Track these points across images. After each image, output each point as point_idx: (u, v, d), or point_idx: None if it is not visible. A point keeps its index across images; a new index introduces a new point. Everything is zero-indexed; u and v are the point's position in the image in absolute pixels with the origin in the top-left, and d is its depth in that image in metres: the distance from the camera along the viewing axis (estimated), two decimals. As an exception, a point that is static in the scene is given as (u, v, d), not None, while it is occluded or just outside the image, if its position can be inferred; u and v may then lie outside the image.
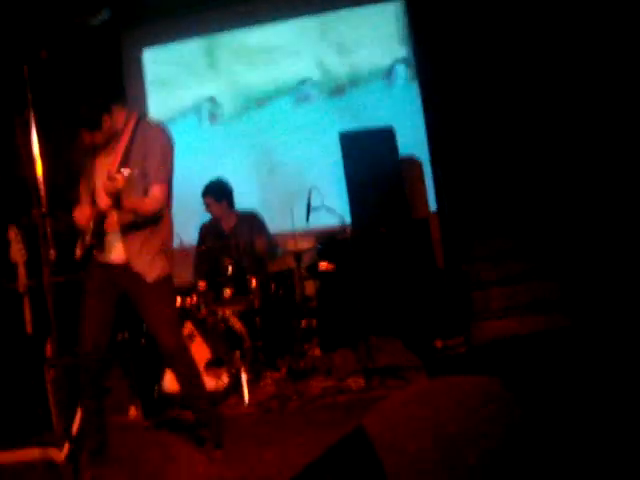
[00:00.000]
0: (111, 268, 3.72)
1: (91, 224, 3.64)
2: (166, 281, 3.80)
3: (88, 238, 3.66)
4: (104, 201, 3.51)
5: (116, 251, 3.70)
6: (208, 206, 6.04)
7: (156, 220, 3.73)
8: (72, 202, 3.81)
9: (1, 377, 5.26)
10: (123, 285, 3.75)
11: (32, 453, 4.04)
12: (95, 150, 3.73)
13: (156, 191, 3.62)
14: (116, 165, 3.54)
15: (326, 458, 1.88)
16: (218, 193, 6.00)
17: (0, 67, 3.16)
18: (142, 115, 3.87)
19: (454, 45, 6.80)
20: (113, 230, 3.66)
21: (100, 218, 3.61)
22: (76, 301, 3.75)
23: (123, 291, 3.79)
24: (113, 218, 3.64)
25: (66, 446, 3.72)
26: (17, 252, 4.47)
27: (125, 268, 3.68)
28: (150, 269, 3.69)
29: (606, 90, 6.13)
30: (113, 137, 3.69)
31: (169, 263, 3.82)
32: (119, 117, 3.71)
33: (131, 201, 3.54)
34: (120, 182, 3.33)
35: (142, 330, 5.07)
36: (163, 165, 3.70)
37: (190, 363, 3.89)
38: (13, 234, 4.45)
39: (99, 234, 3.65)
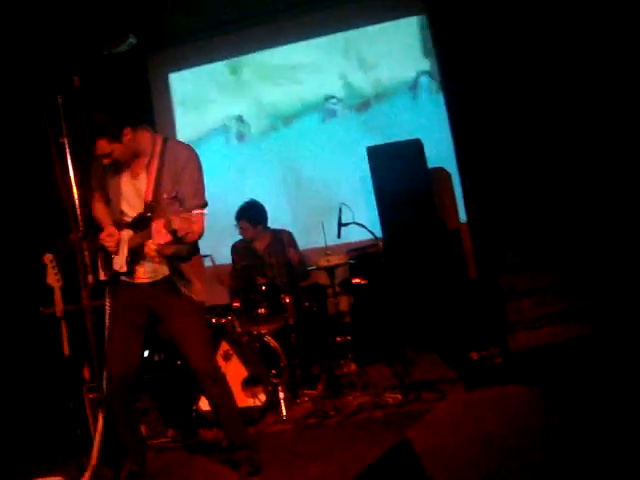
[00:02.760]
0: (143, 288, 3.69)
1: (124, 249, 3.62)
2: (201, 304, 3.81)
3: (121, 263, 3.62)
4: (163, 237, 3.38)
5: (154, 270, 3.68)
6: (243, 229, 6.06)
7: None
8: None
9: (40, 399, 5.32)
10: (155, 304, 3.71)
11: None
12: (117, 170, 3.70)
13: (200, 216, 3.54)
14: (151, 190, 3.58)
15: (372, 472, 1.87)
16: (253, 217, 6.01)
17: (35, 96, 3.21)
18: (168, 137, 3.86)
19: (477, 54, 6.78)
20: (152, 255, 3.63)
21: (139, 245, 3.60)
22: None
23: (152, 312, 3.74)
24: (152, 245, 3.59)
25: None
26: (53, 277, 4.52)
27: (162, 285, 3.66)
28: (189, 287, 3.68)
29: None
30: (138, 158, 3.68)
31: (204, 287, 3.81)
32: (144, 138, 3.69)
33: (183, 230, 3.39)
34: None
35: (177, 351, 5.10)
36: (201, 189, 3.68)
37: (224, 384, 3.82)
38: (48, 259, 4.50)
39: (135, 260, 3.64)
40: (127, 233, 3.64)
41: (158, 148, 3.69)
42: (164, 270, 3.66)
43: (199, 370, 3.70)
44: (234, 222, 6.09)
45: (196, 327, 3.74)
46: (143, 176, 3.67)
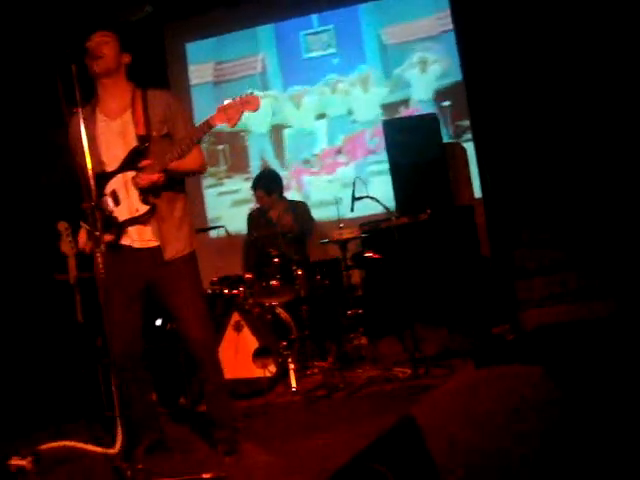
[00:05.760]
0: (135, 253, 3.56)
1: (131, 191, 3.47)
2: (192, 257, 3.67)
3: (135, 205, 3.47)
4: (148, 177, 3.36)
5: (143, 233, 3.55)
6: (258, 198, 6.12)
7: (180, 188, 3.68)
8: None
9: (55, 366, 5.38)
10: (146, 270, 3.57)
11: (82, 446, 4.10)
12: (91, 117, 3.54)
13: (195, 151, 3.53)
14: (142, 124, 3.49)
15: (375, 447, 1.89)
16: (269, 186, 6.09)
17: (49, 65, 3.21)
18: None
19: (497, 29, 6.73)
20: (140, 209, 3.50)
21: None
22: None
23: (147, 279, 3.60)
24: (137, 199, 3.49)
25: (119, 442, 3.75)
26: (67, 245, 4.55)
27: (154, 250, 3.54)
28: (177, 245, 3.58)
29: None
30: (117, 100, 3.58)
31: (194, 238, 3.72)
32: (128, 83, 3.64)
33: (175, 163, 3.39)
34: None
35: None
36: (192, 126, 3.60)
37: (216, 358, 3.73)
38: (63, 227, 4.53)
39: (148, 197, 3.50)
40: (125, 176, 3.49)
41: (139, 92, 3.61)
42: (155, 235, 3.54)
43: (193, 338, 3.62)
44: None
45: (190, 294, 3.63)
46: (127, 115, 3.55)
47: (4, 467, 3.83)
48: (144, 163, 3.41)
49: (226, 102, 3.33)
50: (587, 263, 5.77)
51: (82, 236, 3.67)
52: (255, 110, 3.33)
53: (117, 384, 3.44)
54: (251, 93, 3.33)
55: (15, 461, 3.87)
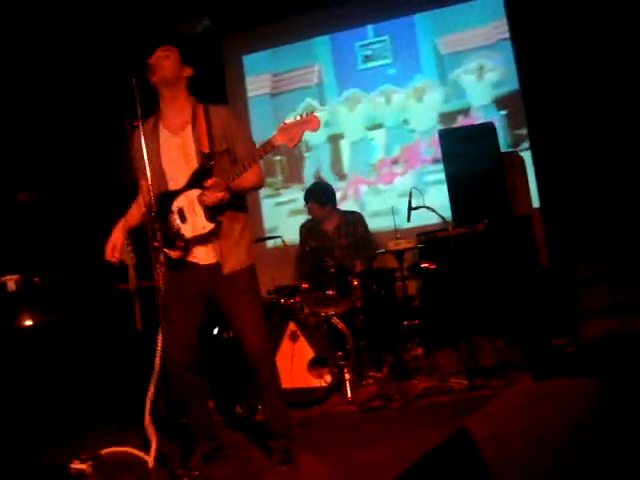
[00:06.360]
0: (197, 267, 3.64)
1: (197, 210, 3.54)
2: (251, 270, 3.75)
3: (201, 224, 3.54)
4: (214, 195, 3.44)
5: (207, 250, 3.63)
6: (311, 210, 6.13)
7: (241, 204, 3.73)
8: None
9: (113, 372, 5.48)
10: (206, 283, 3.65)
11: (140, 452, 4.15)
12: (153, 133, 3.64)
13: (255, 167, 3.55)
14: (206, 141, 3.54)
15: (429, 459, 1.88)
16: (321, 198, 6.07)
17: (111, 79, 3.28)
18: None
19: (554, 41, 6.65)
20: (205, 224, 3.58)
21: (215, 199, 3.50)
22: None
23: (205, 293, 3.70)
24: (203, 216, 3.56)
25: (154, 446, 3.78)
26: (127, 254, 4.63)
27: (214, 266, 3.62)
28: (236, 259, 3.65)
29: None
30: (178, 114, 3.65)
31: (254, 251, 3.80)
32: (189, 98, 3.70)
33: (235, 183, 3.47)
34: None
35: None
36: (252, 144, 3.67)
37: (274, 368, 3.79)
38: (123, 237, 4.61)
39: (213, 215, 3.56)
40: (190, 194, 3.56)
41: (200, 107, 3.67)
42: (216, 253, 3.62)
43: (252, 348, 3.66)
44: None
45: (248, 305, 3.68)
46: (188, 131, 3.61)
47: (64, 471, 3.92)
48: (210, 182, 3.47)
49: (287, 122, 3.37)
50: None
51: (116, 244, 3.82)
52: (315, 130, 3.36)
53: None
54: (312, 113, 3.37)
55: (75, 465, 3.95)
